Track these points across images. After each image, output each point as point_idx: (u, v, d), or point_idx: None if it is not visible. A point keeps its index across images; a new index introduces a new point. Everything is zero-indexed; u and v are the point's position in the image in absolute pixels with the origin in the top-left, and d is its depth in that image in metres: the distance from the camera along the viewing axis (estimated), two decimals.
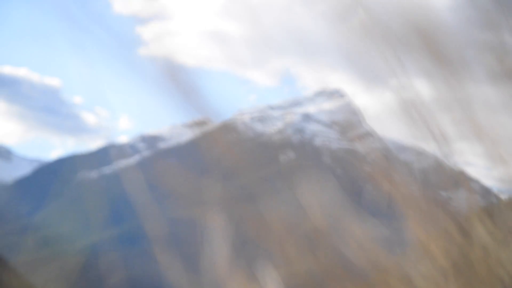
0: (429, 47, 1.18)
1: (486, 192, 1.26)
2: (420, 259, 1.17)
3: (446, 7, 1.20)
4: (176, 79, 1.13)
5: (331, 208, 1.13)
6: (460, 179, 1.19)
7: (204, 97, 1.14)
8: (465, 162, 1.21)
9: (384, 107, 1.21)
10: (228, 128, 1.19)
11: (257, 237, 1.14)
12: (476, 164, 1.22)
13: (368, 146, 1.22)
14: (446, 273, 1.13)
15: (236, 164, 1.13)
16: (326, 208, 1.13)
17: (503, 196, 1.23)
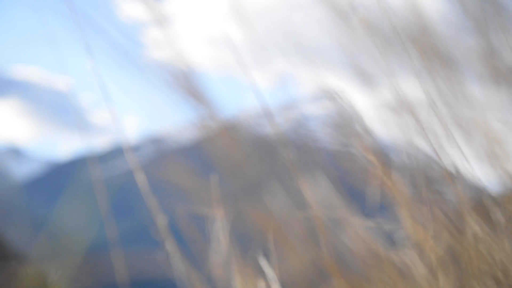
0: (423, 49, 1.20)
1: (477, 188, 1.27)
2: (414, 254, 1.19)
3: (436, 13, 1.22)
4: (181, 81, 1.14)
5: (328, 206, 1.14)
6: (452, 176, 1.20)
7: (207, 98, 1.15)
8: (457, 159, 1.22)
9: (379, 106, 1.23)
10: (229, 128, 1.21)
11: (258, 234, 1.15)
12: (468, 161, 1.23)
13: (364, 145, 1.22)
14: (439, 267, 1.14)
15: (237, 163, 1.14)
16: (323, 205, 1.14)
17: (494, 192, 1.24)
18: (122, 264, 1.22)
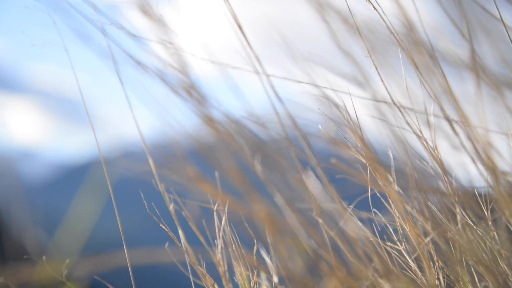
0: (411, 51, 1.22)
1: (466, 183, 1.29)
2: (404, 246, 1.22)
3: (422, 18, 1.25)
4: (183, 84, 1.16)
5: (321, 204, 1.16)
6: (441, 172, 1.22)
7: (209, 101, 1.18)
8: (446, 155, 1.25)
9: (372, 105, 1.25)
10: (230, 130, 1.23)
11: (255, 230, 1.18)
12: (457, 157, 1.26)
13: (356, 142, 1.23)
14: (428, 259, 1.17)
15: (238, 163, 1.17)
16: (317, 203, 1.17)
17: (482, 188, 1.26)
18: (132, 258, 1.26)
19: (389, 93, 1.22)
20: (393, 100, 1.24)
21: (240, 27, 1.14)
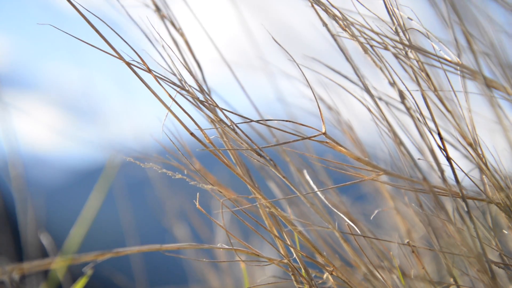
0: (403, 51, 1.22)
1: (458, 179, 1.29)
2: (394, 238, 1.22)
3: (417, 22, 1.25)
4: (189, 86, 1.16)
5: (317, 198, 1.16)
6: (433, 168, 1.22)
7: (214, 103, 1.17)
8: (438, 151, 1.24)
9: (362, 106, 1.25)
10: (233, 131, 1.23)
11: (254, 226, 1.18)
12: (449, 153, 1.25)
13: (351, 140, 1.22)
14: (417, 250, 1.17)
15: (239, 161, 1.17)
16: (313, 198, 1.17)
17: (472, 184, 1.25)
18: (138, 253, 1.25)
19: (378, 91, 1.22)
20: (385, 99, 1.24)
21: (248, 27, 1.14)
